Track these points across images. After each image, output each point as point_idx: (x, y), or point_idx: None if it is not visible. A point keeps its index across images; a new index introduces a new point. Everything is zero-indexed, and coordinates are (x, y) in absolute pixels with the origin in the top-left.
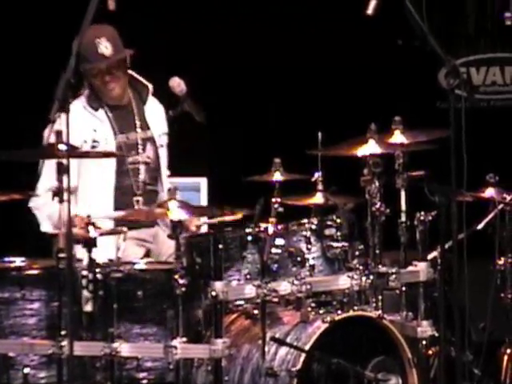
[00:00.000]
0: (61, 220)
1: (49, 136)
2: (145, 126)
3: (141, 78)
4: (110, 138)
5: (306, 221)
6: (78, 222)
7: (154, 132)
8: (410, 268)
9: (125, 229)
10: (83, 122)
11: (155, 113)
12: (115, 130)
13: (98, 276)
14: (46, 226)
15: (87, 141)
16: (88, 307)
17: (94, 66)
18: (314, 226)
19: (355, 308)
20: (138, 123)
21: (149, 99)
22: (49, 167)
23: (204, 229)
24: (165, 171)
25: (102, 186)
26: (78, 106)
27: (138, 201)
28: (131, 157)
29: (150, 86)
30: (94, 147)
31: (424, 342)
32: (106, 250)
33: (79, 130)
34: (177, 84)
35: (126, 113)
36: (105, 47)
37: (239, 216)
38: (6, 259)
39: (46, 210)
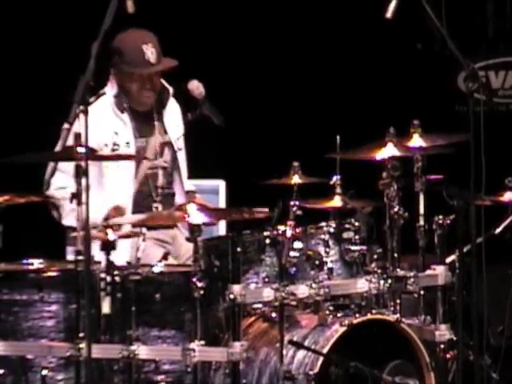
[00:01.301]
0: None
1: (65, 139)
2: (163, 131)
3: (163, 81)
4: (132, 141)
5: (324, 224)
6: (116, 212)
7: (171, 136)
8: (428, 272)
9: (144, 230)
10: (106, 124)
11: (173, 115)
12: (136, 133)
13: (116, 278)
14: (69, 220)
15: (108, 144)
16: (106, 310)
17: (138, 70)
18: (332, 230)
19: (373, 311)
20: (156, 128)
21: (169, 102)
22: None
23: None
24: (185, 174)
25: (122, 190)
26: (105, 105)
27: (156, 207)
28: (150, 162)
29: (171, 89)
30: (114, 151)
31: (442, 346)
32: (124, 252)
33: (101, 132)
34: (195, 87)
35: (147, 117)
36: (151, 53)
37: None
38: (25, 261)
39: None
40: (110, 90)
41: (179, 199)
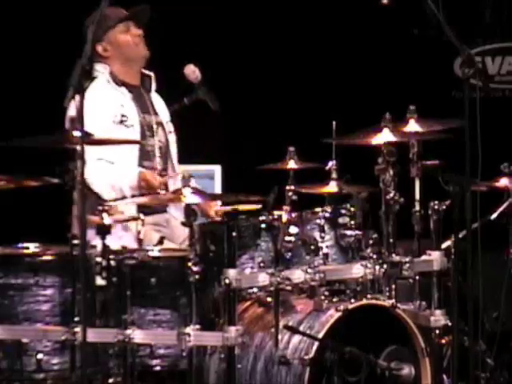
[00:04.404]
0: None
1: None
2: (155, 111)
3: (143, 69)
4: (135, 114)
5: (319, 209)
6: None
7: (161, 118)
8: (424, 257)
9: (142, 216)
10: (110, 97)
11: (159, 102)
12: (137, 108)
13: (112, 263)
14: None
15: (117, 116)
16: (101, 294)
17: (117, 16)
18: (327, 215)
19: (368, 297)
20: (150, 107)
21: (152, 87)
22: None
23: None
24: (175, 157)
25: (129, 165)
26: (103, 82)
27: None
28: (148, 139)
29: (152, 74)
30: (122, 122)
31: (437, 332)
32: (121, 238)
33: (107, 106)
34: (192, 71)
35: (140, 95)
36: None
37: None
38: (20, 245)
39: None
40: (103, 69)
41: (171, 181)
